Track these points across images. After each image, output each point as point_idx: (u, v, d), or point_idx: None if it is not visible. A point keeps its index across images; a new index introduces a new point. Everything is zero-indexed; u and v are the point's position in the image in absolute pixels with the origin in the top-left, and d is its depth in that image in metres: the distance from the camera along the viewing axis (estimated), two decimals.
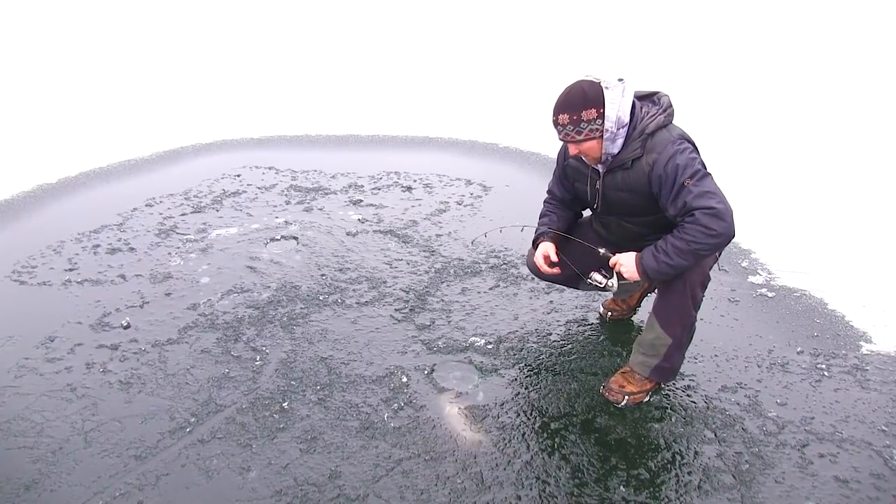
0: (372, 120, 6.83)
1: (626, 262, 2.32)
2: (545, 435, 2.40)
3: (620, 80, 2.25)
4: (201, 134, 6.47)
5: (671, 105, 2.29)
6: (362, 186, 4.95)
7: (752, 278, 3.52)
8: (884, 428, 2.39)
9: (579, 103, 2.18)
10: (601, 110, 2.17)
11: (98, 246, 4.01)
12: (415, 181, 5.04)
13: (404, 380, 2.70)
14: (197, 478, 2.23)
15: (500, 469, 2.25)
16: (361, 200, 4.67)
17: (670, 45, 10.26)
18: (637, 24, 12.02)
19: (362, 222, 4.30)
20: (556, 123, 2.27)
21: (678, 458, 2.28)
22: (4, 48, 11.01)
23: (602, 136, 2.22)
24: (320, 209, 4.54)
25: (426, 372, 2.76)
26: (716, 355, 2.85)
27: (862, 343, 2.93)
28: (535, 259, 2.61)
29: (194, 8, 14.94)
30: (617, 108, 2.19)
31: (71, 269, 3.72)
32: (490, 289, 3.43)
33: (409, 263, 3.73)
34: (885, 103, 6.83)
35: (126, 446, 2.37)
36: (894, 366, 2.75)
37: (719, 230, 2.08)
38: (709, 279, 2.35)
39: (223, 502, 2.13)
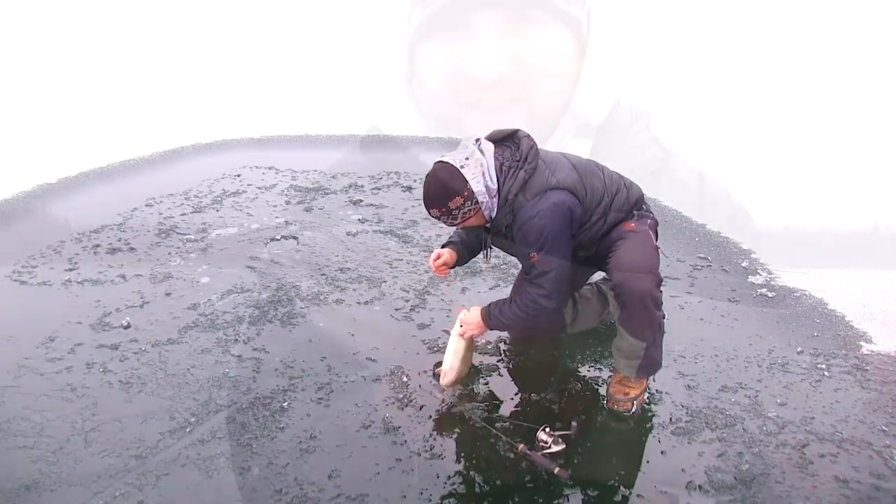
0: (372, 120, 6.83)
1: (469, 317, 2.50)
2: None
3: (476, 141, 2.23)
4: (201, 134, 6.46)
5: (531, 147, 2.26)
6: (362, 186, 4.95)
7: (752, 278, 3.52)
8: (884, 428, 2.39)
9: (442, 196, 2.19)
10: (466, 192, 2.17)
11: (98, 246, 4.01)
12: (415, 181, 5.04)
13: (404, 380, 2.70)
14: (197, 478, 2.23)
15: (501, 469, 2.25)
16: (361, 200, 4.67)
17: (672, 44, 10.26)
18: (640, 20, 12.01)
19: (362, 222, 4.30)
20: (430, 215, 2.30)
21: (678, 457, 2.28)
22: (5, 48, 11.01)
23: (479, 210, 2.25)
24: (320, 209, 4.54)
25: (426, 372, 2.76)
26: (716, 355, 2.85)
27: (862, 343, 2.93)
28: (429, 258, 2.65)
29: (194, 8, 14.93)
30: (483, 180, 2.18)
31: (71, 269, 3.72)
32: (490, 289, 3.43)
33: (409, 263, 3.73)
34: (885, 104, 6.83)
35: (126, 446, 2.37)
36: (894, 366, 2.75)
37: (547, 306, 2.33)
38: (661, 279, 2.34)
39: (223, 502, 2.13)
